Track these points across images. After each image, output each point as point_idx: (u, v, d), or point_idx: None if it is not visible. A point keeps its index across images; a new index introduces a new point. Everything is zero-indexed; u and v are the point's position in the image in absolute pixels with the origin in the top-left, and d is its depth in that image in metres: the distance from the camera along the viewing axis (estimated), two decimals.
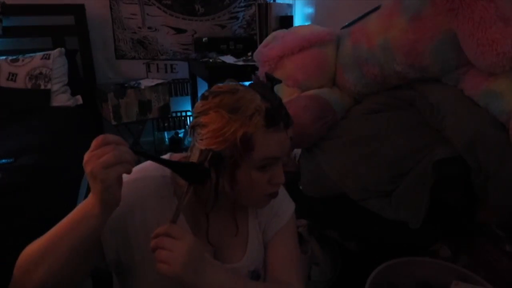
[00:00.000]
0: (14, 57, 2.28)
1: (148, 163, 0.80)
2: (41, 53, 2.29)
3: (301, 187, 1.48)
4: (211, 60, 2.31)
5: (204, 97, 0.73)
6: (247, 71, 2.18)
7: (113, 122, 2.37)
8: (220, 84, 0.75)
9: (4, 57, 2.27)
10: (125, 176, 0.62)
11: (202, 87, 2.84)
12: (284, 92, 1.46)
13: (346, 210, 1.40)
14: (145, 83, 2.49)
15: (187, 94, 2.92)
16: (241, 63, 2.27)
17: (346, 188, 1.31)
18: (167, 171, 0.78)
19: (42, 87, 2.25)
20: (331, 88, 1.51)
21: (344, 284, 1.42)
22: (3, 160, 1.44)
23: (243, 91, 0.71)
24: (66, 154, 1.75)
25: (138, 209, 0.75)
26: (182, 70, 2.93)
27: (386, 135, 1.29)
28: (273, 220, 0.90)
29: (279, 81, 0.77)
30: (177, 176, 0.74)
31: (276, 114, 0.70)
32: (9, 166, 1.41)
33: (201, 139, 0.70)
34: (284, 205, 0.92)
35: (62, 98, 2.30)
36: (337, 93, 1.48)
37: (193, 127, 0.73)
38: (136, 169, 0.75)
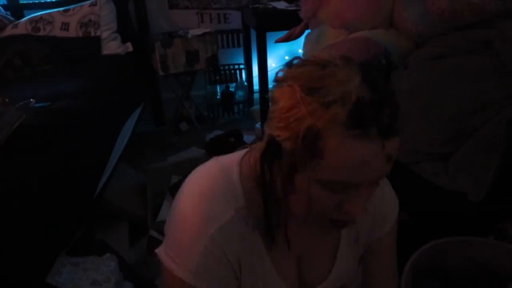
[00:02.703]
0: (66, 8, 2.34)
1: (208, 195, 0.63)
2: (88, 1, 2.31)
3: None
4: (260, 7, 2.12)
5: (288, 64, 0.56)
6: (299, 18, 1.96)
7: (161, 73, 2.34)
8: (320, 53, 0.58)
9: (56, 9, 2.34)
10: (201, 240, 0.58)
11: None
12: (328, 35, 1.26)
13: (393, 173, 1.21)
14: (193, 32, 2.40)
15: (239, 46, 2.79)
16: (293, 8, 2.05)
17: None
18: (239, 199, 0.63)
19: (92, 34, 2.27)
20: (387, 30, 1.27)
21: None
22: (40, 104, 1.46)
23: (336, 67, 0.51)
24: (106, 100, 1.74)
25: (234, 262, 0.64)
26: (235, 20, 2.78)
27: (450, 85, 1.08)
28: (376, 224, 0.74)
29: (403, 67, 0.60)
30: (252, 199, 0.61)
31: (369, 111, 0.48)
32: (43, 109, 1.42)
33: (269, 118, 0.55)
34: (391, 203, 0.75)
35: (112, 46, 2.31)
36: (393, 36, 1.25)
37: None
38: (203, 219, 0.61)
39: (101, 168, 1.51)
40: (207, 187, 0.64)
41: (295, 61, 0.55)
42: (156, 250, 0.65)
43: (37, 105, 1.45)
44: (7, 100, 1.22)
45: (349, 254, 0.72)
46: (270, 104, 0.56)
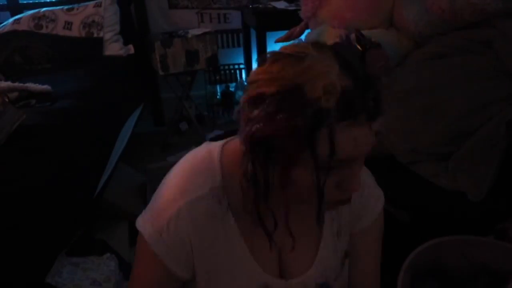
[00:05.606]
0: (70, 6, 2.33)
1: (190, 171, 0.67)
2: (93, 1, 2.30)
3: None
4: (260, 6, 2.12)
5: (261, 61, 0.54)
6: (299, 17, 1.95)
7: (161, 73, 2.34)
8: (288, 45, 0.56)
9: (60, 7, 2.33)
10: (171, 207, 0.62)
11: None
12: (328, 35, 1.26)
13: (393, 173, 1.21)
14: (193, 32, 2.40)
15: (239, 46, 2.78)
16: (293, 7, 2.05)
17: (393, 148, 1.11)
18: (216, 179, 0.64)
19: (95, 35, 2.27)
20: (387, 29, 1.27)
21: (385, 258, 1.26)
22: (40, 104, 1.45)
23: (314, 58, 0.51)
24: (106, 100, 1.74)
25: (194, 240, 0.65)
26: (235, 20, 2.78)
27: (451, 85, 1.07)
28: (356, 215, 0.74)
29: (376, 45, 0.58)
30: (229, 182, 0.63)
31: (358, 101, 0.49)
32: (43, 109, 1.41)
33: (250, 119, 0.53)
34: (374, 195, 0.75)
35: (114, 47, 2.31)
36: (393, 35, 1.25)
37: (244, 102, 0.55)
38: (179, 189, 0.65)
39: (101, 168, 1.51)
40: (191, 164, 0.69)
41: (265, 57, 0.54)
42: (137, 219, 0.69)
43: (37, 105, 1.45)
44: (7, 100, 1.22)
45: (330, 248, 0.72)
46: (243, 106, 0.54)
